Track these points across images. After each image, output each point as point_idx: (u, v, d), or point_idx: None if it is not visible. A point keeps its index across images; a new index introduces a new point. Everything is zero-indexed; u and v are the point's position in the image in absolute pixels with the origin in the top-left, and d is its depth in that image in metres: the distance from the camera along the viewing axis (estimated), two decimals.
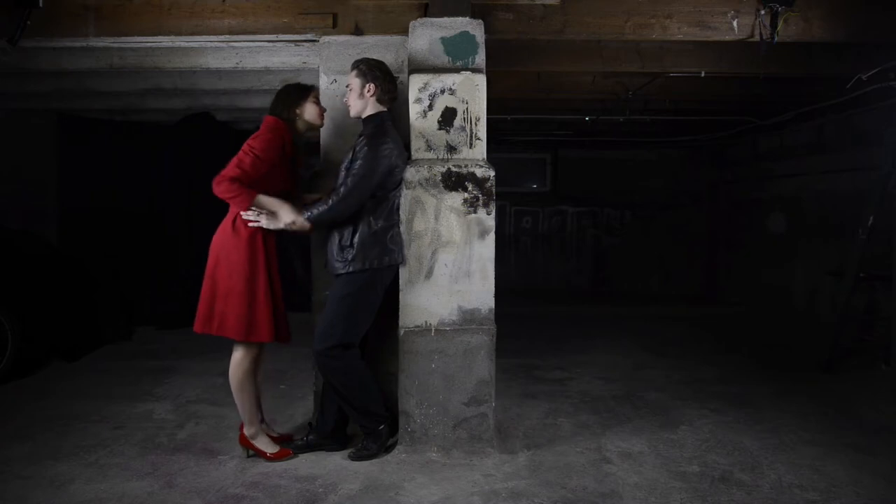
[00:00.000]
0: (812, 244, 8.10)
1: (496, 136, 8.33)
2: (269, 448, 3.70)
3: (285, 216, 3.54)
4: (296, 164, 3.79)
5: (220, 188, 3.43)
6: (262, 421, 3.81)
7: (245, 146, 3.53)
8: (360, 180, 3.56)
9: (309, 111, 3.73)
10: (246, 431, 3.70)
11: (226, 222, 3.60)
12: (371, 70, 3.70)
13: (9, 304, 5.31)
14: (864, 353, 5.92)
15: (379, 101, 3.72)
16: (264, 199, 3.52)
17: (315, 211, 3.60)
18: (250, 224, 3.54)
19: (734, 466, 3.66)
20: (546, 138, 10.15)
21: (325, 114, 3.83)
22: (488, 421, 3.80)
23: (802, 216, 8.38)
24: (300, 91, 3.76)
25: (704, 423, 4.37)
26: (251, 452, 3.72)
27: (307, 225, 3.60)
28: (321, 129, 4.11)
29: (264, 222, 3.53)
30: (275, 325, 3.62)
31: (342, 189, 3.60)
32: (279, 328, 3.66)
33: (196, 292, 3.57)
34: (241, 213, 3.52)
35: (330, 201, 3.59)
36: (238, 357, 3.66)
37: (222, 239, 3.59)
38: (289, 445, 3.79)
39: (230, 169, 3.45)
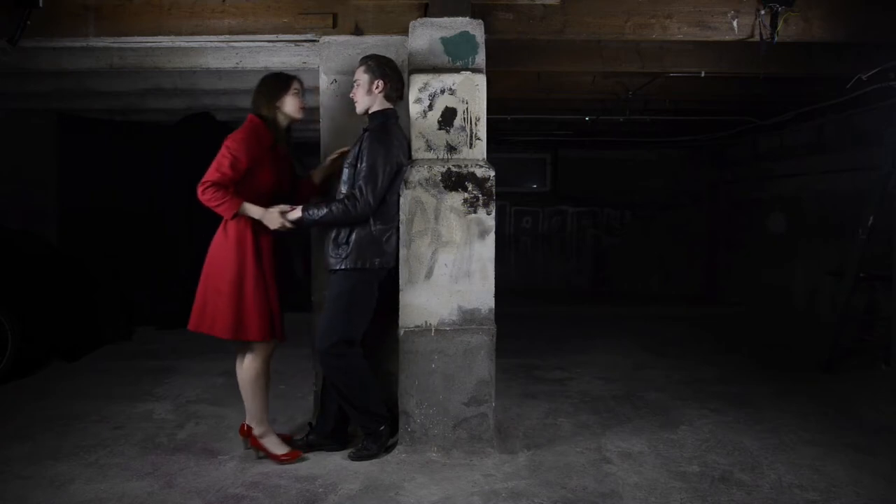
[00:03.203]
0: (812, 244, 8.10)
1: (496, 136, 8.31)
2: (278, 449, 3.68)
3: (270, 223, 3.55)
4: (286, 160, 3.75)
5: (204, 196, 3.47)
6: None
7: (223, 147, 3.54)
8: (370, 183, 3.54)
9: (289, 104, 3.69)
10: (255, 432, 3.68)
11: (222, 223, 3.61)
12: (381, 66, 3.70)
13: (9, 304, 5.30)
14: (864, 353, 5.92)
15: (387, 98, 3.72)
16: (249, 207, 3.52)
17: (316, 214, 3.57)
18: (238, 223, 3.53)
19: (734, 466, 3.66)
20: (546, 138, 10.16)
21: (304, 108, 3.76)
22: (488, 421, 3.80)
23: (802, 216, 8.38)
24: (280, 84, 3.71)
25: (704, 423, 4.37)
26: (262, 454, 3.69)
27: (296, 225, 3.59)
28: (321, 129, 4.10)
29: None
30: (270, 324, 3.60)
31: (354, 191, 3.55)
32: (273, 327, 3.64)
33: (196, 292, 3.57)
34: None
35: (332, 206, 3.56)
36: (249, 357, 3.65)
37: (216, 239, 3.61)
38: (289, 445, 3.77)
39: (210, 173, 3.48)
